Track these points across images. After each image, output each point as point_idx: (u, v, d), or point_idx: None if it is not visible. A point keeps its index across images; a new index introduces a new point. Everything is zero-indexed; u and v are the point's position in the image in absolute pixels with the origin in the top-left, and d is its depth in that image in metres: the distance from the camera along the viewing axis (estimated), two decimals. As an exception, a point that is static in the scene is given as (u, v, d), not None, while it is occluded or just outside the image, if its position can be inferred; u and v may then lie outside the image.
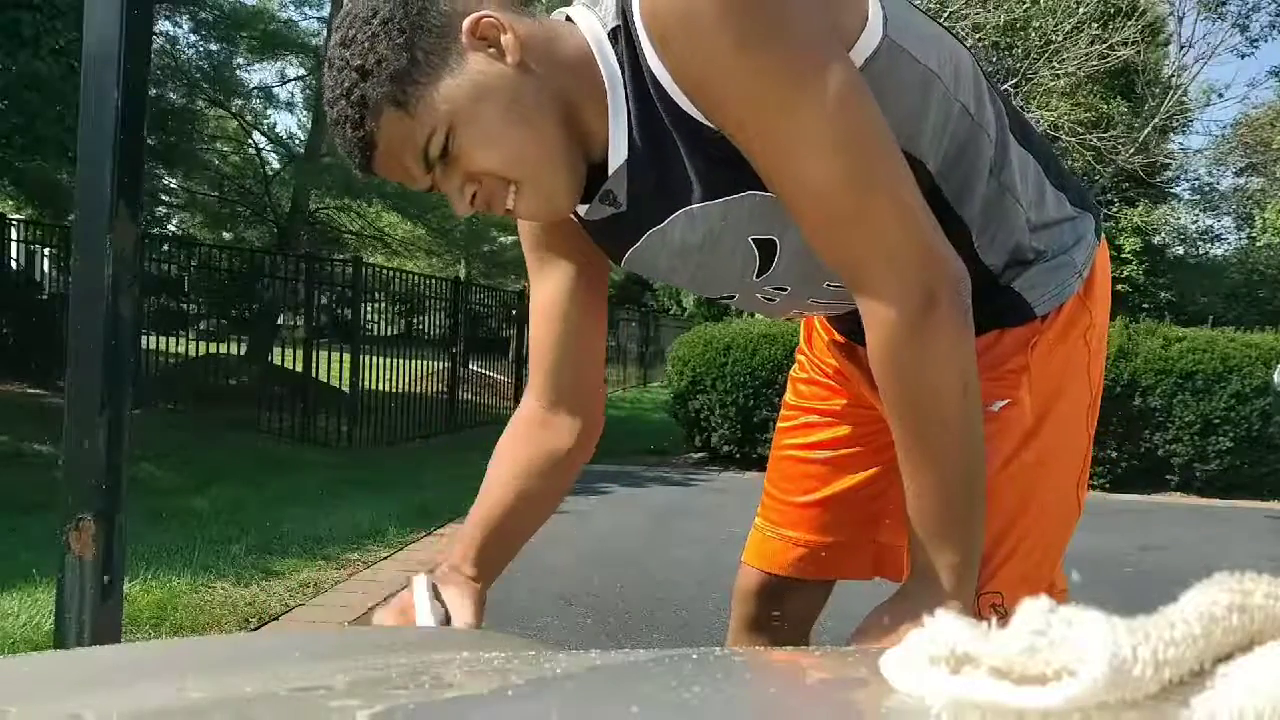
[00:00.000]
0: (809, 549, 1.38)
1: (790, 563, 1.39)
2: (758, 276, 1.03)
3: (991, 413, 1.03)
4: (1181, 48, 16.83)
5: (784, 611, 1.40)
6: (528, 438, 1.19)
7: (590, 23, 0.93)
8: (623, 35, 0.91)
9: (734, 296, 1.09)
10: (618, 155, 0.94)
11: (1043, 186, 1.06)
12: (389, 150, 0.92)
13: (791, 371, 1.46)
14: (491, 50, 0.90)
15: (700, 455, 8.27)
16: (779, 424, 1.45)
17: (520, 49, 0.90)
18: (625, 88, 0.92)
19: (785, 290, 1.06)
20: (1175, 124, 17.34)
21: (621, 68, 0.91)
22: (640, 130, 0.92)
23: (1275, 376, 6.57)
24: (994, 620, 0.40)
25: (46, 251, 9.37)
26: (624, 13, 0.90)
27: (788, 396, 1.45)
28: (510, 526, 1.17)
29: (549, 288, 1.15)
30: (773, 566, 1.41)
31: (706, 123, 0.89)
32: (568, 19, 0.96)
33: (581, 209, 1.01)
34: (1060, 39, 12.75)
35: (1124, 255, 18.07)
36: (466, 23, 0.90)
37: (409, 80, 0.88)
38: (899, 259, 0.87)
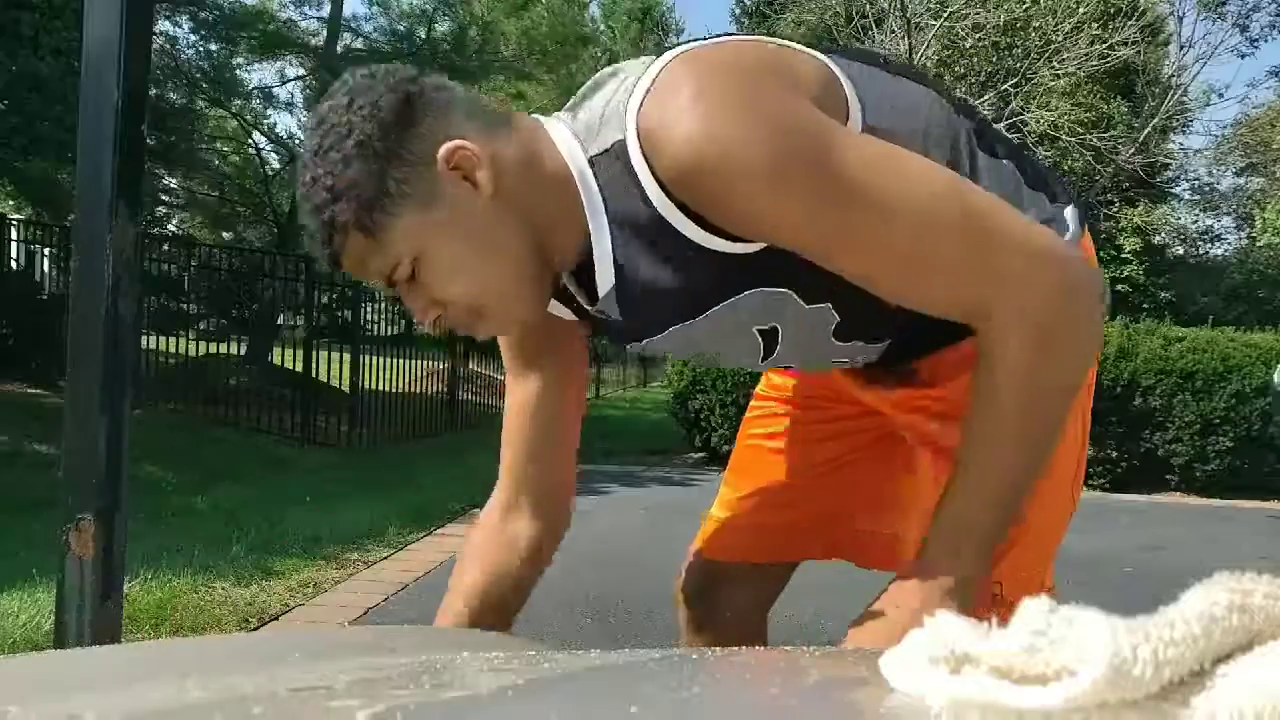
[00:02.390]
0: (757, 531, 1.36)
1: (737, 546, 1.37)
2: (763, 359, 1.05)
3: None
4: (1181, 48, 16.85)
5: (731, 603, 1.39)
6: (494, 541, 1.18)
7: (571, 147, 0.93)
8: (612, 163, 0.90)
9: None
10: (605, 281, 0.94)
11: (1019, 189, 1.06)
12: (354, 264, 0.92)
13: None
14: (465, 181, 0.90)
15: (700, 455, 8.27)
16: (746, 415, 1.43)
17: (495, 179, 0.90)
18: (606, 214, 0.92)
19: (794, 365, 1.10)
20: (1175, 124, 17.34)
21: (604, 197, 0.91)
22: (628, 255, 0.92)
23: (1275, 376, 6.57)
24: (993, 617, 0.40)
25: (46, 251, 9.37)
26: (620, 142, 0.88)
27: (760, 387, 1.42)
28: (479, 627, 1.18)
29: (527, 387, 1.15)
30: (719, 553, 1.38)
31: (722, 248, 0.89)
32: (543, 129, 0.96)
33: (561, 307, 1.05)
34: (1060, 39, 12.75)
35: (1124, 255, 18.05)
36: (442, 151, 0.89)
37: (379, 208, 0.88)
38: (1009, 279, 0.85)
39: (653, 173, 0.86)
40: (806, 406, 1.33)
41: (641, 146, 0.86)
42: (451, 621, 1.13)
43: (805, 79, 0.90)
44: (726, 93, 0.83)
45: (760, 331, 1.00)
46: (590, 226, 0.92)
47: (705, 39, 0.95)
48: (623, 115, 0.88)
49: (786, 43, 0.95)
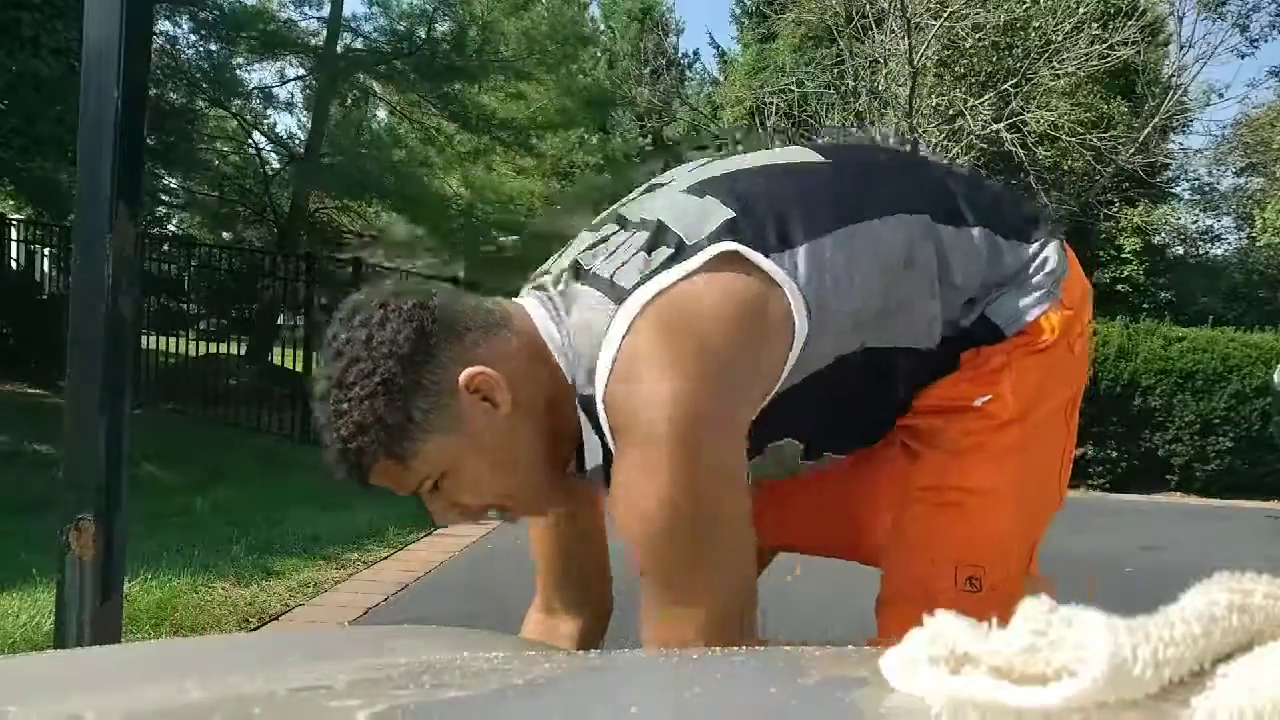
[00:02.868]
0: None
1: None
2: None
3: (974, 408, 1.09)
4: (1181, 48, 16.84)
5: None
6: (546, 637, 1.27)
7: (561, 356, 1.01)
8: (589, 403, 0.97)
9: None
10: (593, 460, 1.01)
11: (996, 249, 1.09)
12: (380, 481, 1.00)
13: None
14: (485, 402, 0.97)
15: (700, 455, 8.27)
16: None
17: (512, 396, 0.98)
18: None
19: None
20: (1175, 124, 17.33)
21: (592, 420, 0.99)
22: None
23: (1275, 376, 6.57)
24: (993, 621, 0.40)
25: (46, 251, 9.37)
26: (591, 399, 0.96)
27: None
28: None
29: None
30: None
31: None
32: (531, 322, 1.04)
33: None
34: (1060, 39, 12.74)
35: (1124, 255, 18.03)
36: (463, 379, 0.96)
37: (405, 437, 0.95)
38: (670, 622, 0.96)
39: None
40: None
41: (608, 416, 0.94)
42: None
43: (759, 333, 0.96)
44: (681, 377, 0.90)
45: None
46: (582, 429, 1.00)
47: (677, 278, 0.96)
48: (592, 375, 0.95)
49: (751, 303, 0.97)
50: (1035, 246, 1.12)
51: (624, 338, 0.93)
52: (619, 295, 0.95)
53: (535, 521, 1.23)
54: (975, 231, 1.08)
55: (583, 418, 1.00)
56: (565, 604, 1.26)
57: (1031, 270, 1.12)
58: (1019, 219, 1.13)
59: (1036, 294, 1.12)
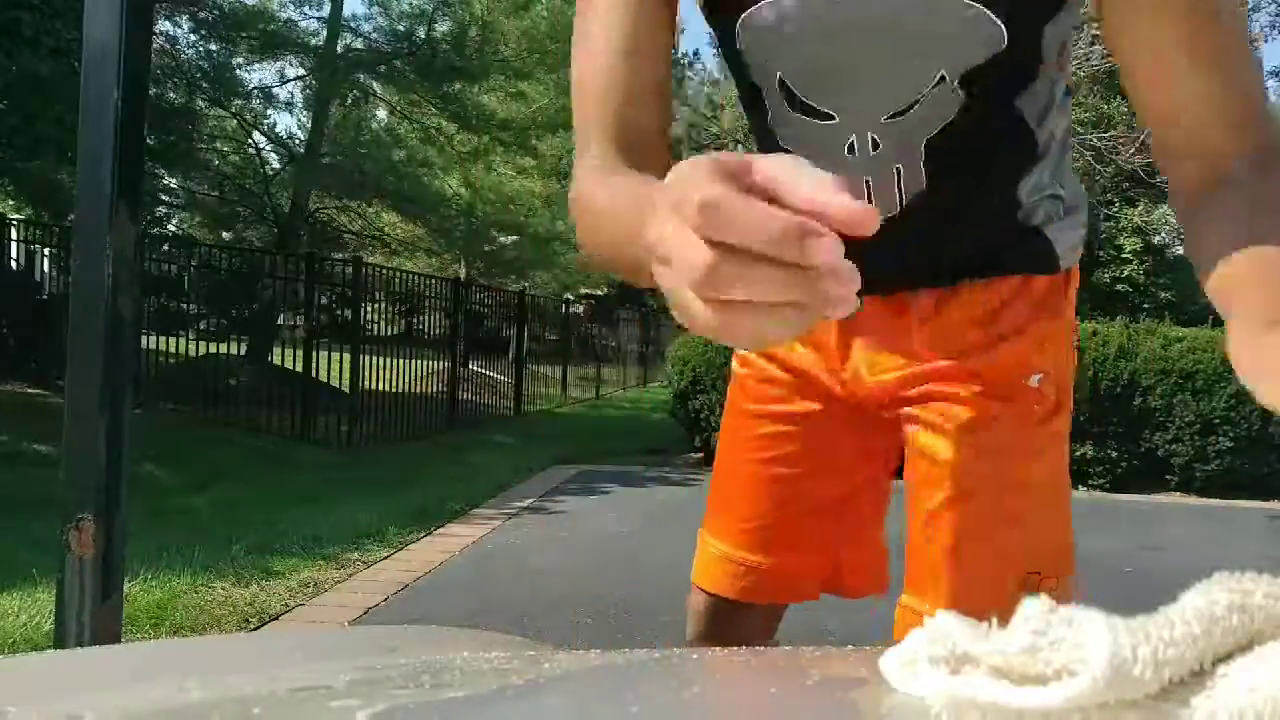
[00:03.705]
0: (757, 572, 1.23)
1: (739, 587, 1.24)
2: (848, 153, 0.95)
3: (1031, 388, 1.01)
4: (1181, 48, 16.79)
5: (734, 634, 1.27)
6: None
7: None
8: None
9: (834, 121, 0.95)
10: None
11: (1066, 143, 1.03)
12: None
13: (734, 366, 1.26)
14: None
15: (700, 455, 8.27)
16: (730, 427, 1.25)
17: None
18: None
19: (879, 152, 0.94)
20: (1175, 124, 17.32)
21: None
22: None
23: (1275, 376, 6.56)
24: (993, 621, 0.40)
25: (46, 251, 9.37)
26: None
27: (736, 397, 1.25)
28: None
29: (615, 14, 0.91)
30: (720, 589, 1.25)
31: None
32: None
33: None
34: (1060, 39, 12.74)
35: (1124, 255, 18.05)
36: None
37: None
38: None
39: None
40: (803, 425, 1.18)
41: None
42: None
43: None
44: None
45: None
46: None
47: None
48: None
49: None
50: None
51: None
52: None
53: (593, 40, 0.92)
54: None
55: None
56: (625, 157, 0.90)
57: (1079, 207, 1.05)
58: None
59: (1076, 236, 1.05)
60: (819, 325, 1.02)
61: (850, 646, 0.58)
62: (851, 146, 0.93)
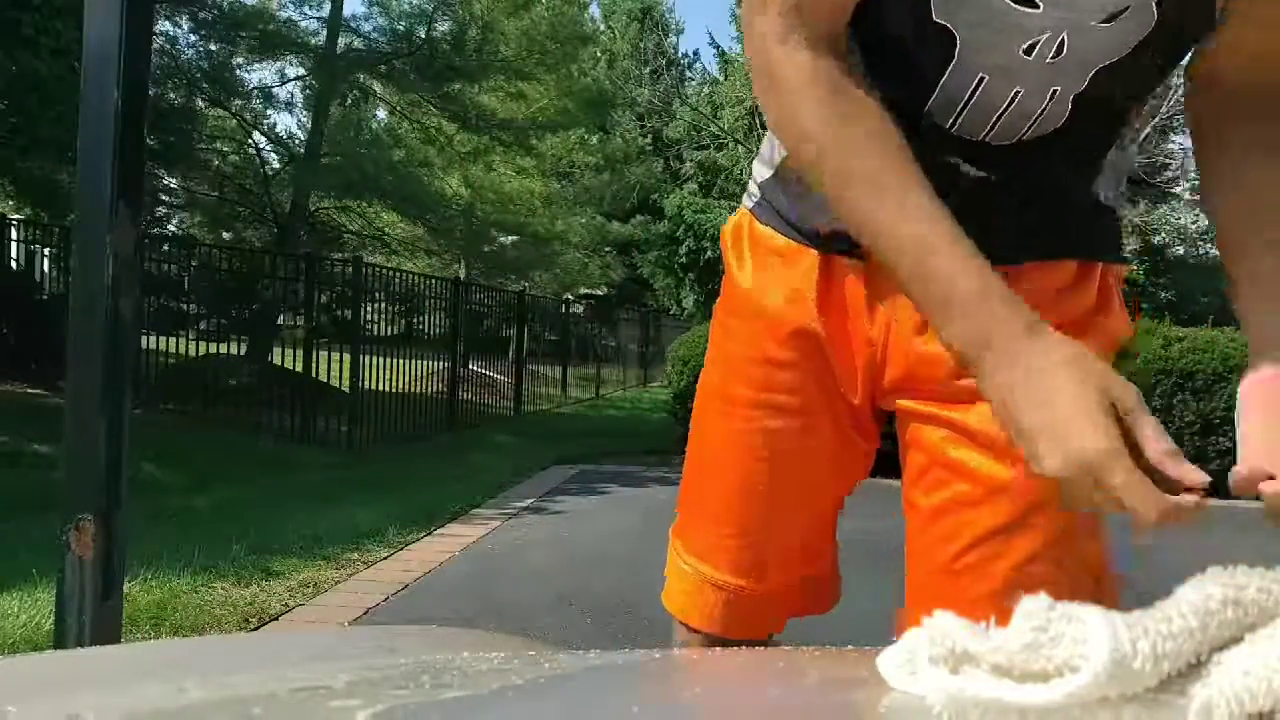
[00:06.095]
0: (777, 599, 1.10)
1: (759, 621, 1.10)
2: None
3: None
4: (1181, 47, 16.80)
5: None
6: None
7: None
8: None
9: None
10: None
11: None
12: None
13: (723, 319, 1.09)
14: None
15: (700, 455, 8.27)
16: (718, 412, 1.08)
17: None
18: None
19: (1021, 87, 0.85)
20: (1175, 124, 17.34)
21: None
22: None
23: (1275, 376, 6.56)
24: (992, 620, 0.40)
25: (46, 251, 9.37)
26: None
27: (723, 376, 1.07)
28: None
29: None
30: (702, 623, 1.11)
31: None
32: None
33: None
34: (1060, 39, 12.74)
35: (1124, 255, 18.02)
36: None
37: None
38: None
39: None
40: (810, 417, 1.03)
41: None
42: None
43: None
44: None
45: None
46: None
47: None
48: None
49: None
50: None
51: None
52: None
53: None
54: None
55: None
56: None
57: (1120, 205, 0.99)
58: None
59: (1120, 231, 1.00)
60: (846, 284, 0.96)
61: (850, 646, 0.58)
62: (1033, 47, 0.81)
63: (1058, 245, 0.94)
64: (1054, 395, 0.69)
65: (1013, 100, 0.85)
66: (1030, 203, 0.91)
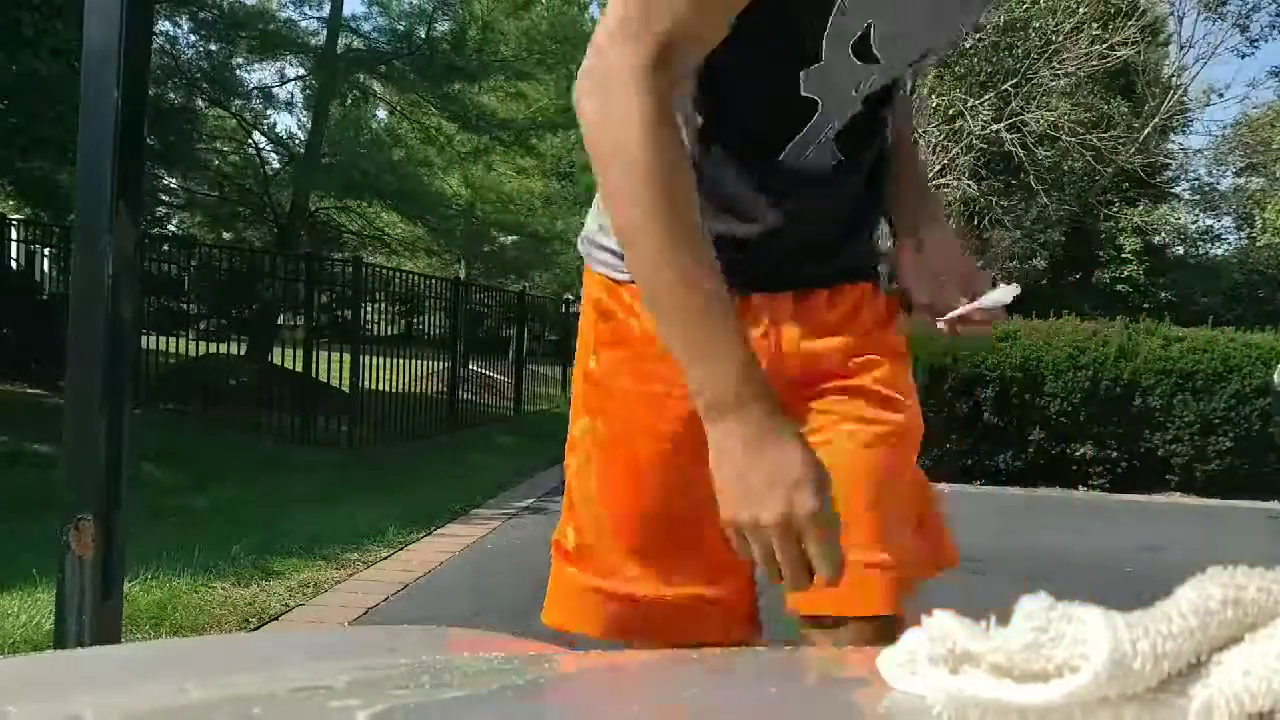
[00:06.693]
0: (659, 606, 1.08)
1: (629, 628, 1.10)
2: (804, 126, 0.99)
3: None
4: (1181, 48, 16.85)
5: None
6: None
7: None
8: None
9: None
10: None
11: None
12: None
13: (604, 317, 1.08)
14: None
15: (700, 455, 8.27)
16: (617, 416, 1.07)
17: None
18: None
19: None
20: (1175, 124, 17.34)
21: None
22: None
23: (1275, 376, 6.57)
24: (992, 619, 0.40)
25: (46, 251, 9.37)
26: None
27: (617, 373, 1.06)
28: None
29: None
30: (600, 630, 1.12)
31: None
32: None
33: None
34: (1060, 39, 12.75)
35: (1124, 255, 18.05)
36: None
37: None
38: None
39: None
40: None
41: None
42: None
43: None
44: None
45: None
46: None
47: None
48: None
49: None
50: None
51: None
52: None
53: None
54: None
55: None
56: None
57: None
58: None
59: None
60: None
61: (850, 647, 0.58)
62: (859, 85, 0.96)
63: (865, 266, 1.07)
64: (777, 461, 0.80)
65: (830, 128, 0.98)
66: (847, 228, 1.05)
